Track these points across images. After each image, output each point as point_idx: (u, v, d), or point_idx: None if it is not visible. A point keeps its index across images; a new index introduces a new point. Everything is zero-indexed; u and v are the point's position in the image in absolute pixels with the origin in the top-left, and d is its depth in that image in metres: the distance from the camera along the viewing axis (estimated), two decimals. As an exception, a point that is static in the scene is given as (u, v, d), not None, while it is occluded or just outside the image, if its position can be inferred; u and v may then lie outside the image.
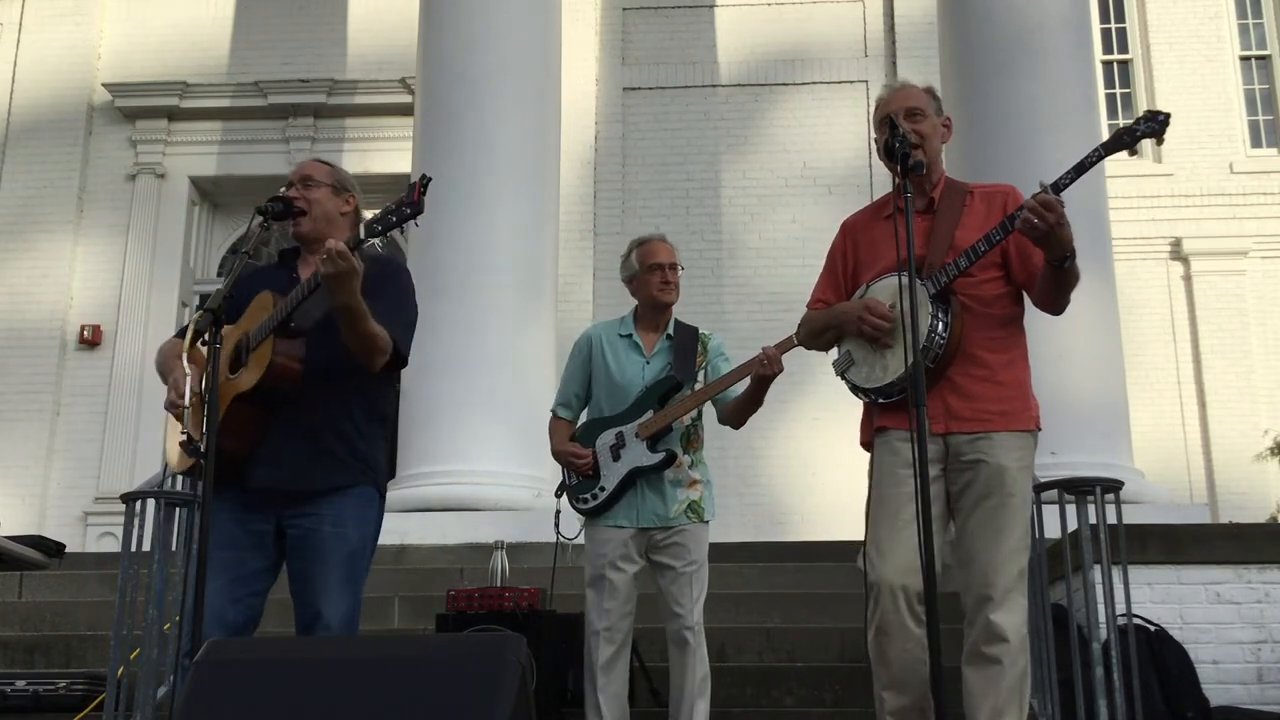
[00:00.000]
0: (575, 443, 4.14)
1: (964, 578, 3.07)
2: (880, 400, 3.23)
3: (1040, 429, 3.29)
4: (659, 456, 3.99)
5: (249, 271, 3.45)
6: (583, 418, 4.29)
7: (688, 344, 4.15)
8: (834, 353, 3.40)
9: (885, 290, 3.21)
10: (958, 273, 3.14)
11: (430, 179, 2.98)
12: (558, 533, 4.29)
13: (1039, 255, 3.10)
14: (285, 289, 3.21)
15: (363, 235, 3.01)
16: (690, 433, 4.11)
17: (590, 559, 4.07)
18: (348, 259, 2.93)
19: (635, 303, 4.27)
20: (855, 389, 3.29)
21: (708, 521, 4.10)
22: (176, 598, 4.38)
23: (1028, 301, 3.32)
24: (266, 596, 3.26)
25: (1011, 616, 3.07)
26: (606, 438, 4.07)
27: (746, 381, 4.01)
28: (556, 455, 4.20)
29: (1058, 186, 2.99)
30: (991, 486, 3.12)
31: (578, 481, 4.11)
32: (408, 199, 2.93)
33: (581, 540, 4.18)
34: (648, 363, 4.14)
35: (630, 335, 4.20)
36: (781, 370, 3.85)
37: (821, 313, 3.41)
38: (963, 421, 3.12)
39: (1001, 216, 3.14)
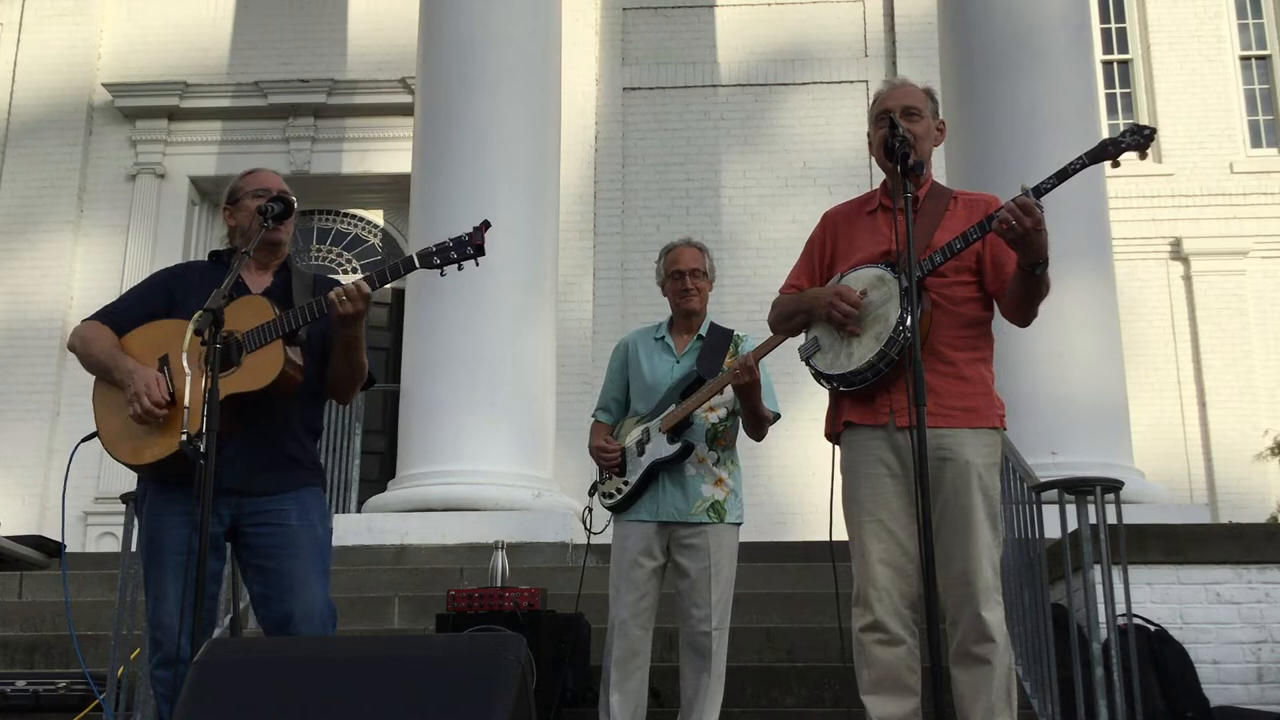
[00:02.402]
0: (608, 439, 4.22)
1: (944, 578, 3.08)
2: (842, 388, 3.25)
3: (1005, 428, 3.30)
4: (675, 447, 4.03)
5: (178, 270, 3.49)
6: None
7: (718, 344, 4.20)
8: (802, 338, 3.42)
9: (859, 280, 3.23)
10: (932, 268, 3.16)
11: (489, 224, 3.15)
12: (588, 531, 4.32)
13: (1012, 264, 3.12)
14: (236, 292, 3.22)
15: (417, 265, 3.10)
16: (717, 431, 4.13)
17: (613, 553, 4.14)
18: (368, 300, 3.07)
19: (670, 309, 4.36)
20: (819, 375, 3.30)
21: (732, 524, 4.11)
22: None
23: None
24: (219, 601, 3.28)
25: (994, 614, 3.09)
26: (634, 435, 4.14)
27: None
28: (590, 453, 4.27)
29: (1039, 191, 3.00)
30: (960, 485, 3.13)
31: (607, 478, 4.18)
32: (471, 240, 3.08)
33: (605, 538, 4.24)
34: (677, 362, 4.21)
35: (663, 338, 4.28)
36: (750, 380, 3.89)
37: (792, 297, 3.42)
38: (928, 416, 3.11)
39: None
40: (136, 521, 4.58)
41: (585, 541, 4.42)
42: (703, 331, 4.25)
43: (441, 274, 3.13)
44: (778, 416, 4.15)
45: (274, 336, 3.12)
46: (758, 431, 4.14)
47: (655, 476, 4.07)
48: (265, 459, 3.19)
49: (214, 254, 3.47)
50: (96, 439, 3.33)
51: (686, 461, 4.06)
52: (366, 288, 3.07)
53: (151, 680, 3.17)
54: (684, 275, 4.20)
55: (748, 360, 3.88)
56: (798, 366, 3.43)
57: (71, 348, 3.35)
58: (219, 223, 11.32)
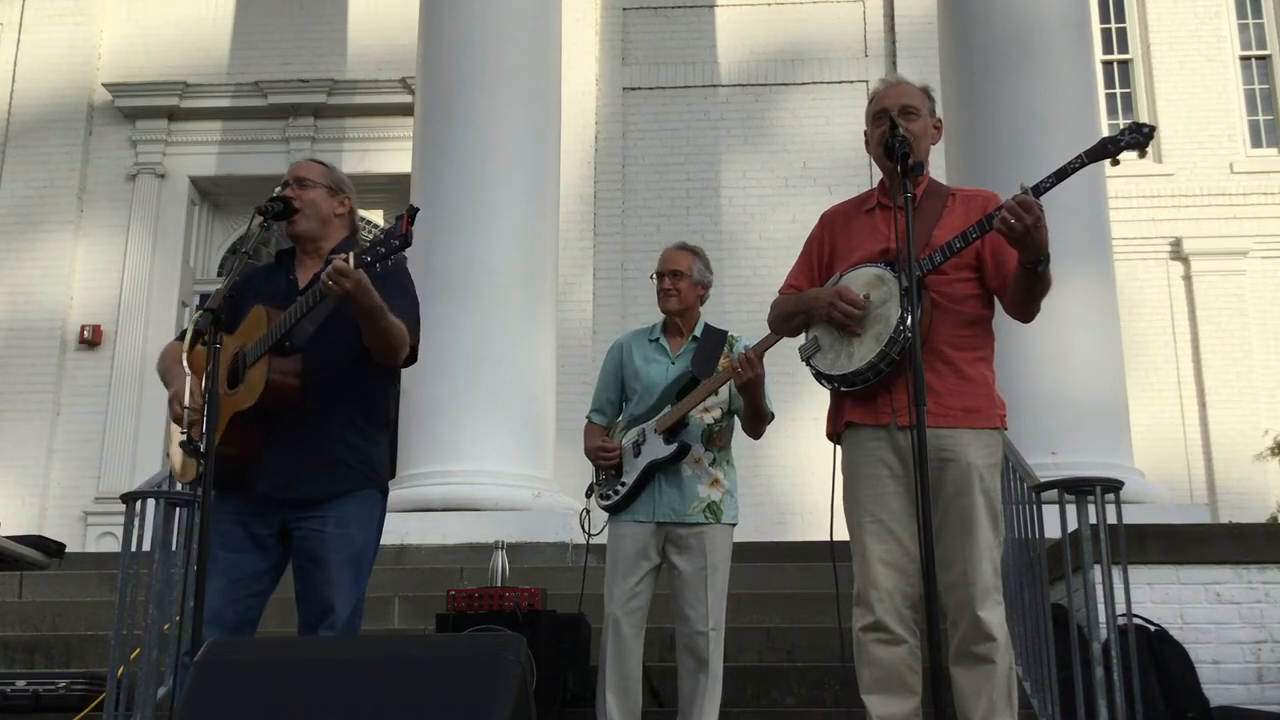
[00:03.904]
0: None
1: (945, 579, 3.08)
2: (843, 389, 3.24)
3: (1006, 428, 3.30)
4: (671, 448, 4.03)
5: (248, 271, 3.47)
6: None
7: (713, 345, 4.20)
8: (802, 339, 3.41)
9: (858, 280, 3.23)
10: (931, 267, 3.15)
11: (418, 210, 2.98)
12: (586, 533, 4.32)
13: (1014, 261, 3.11)
14: (283, 292, 3.25)
15: (352, 264, 2.96)
16: (712, 431, 4.14)
17: (608, 553, 4.14)
18: (351, 277, 2.92)
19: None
20: (819, 376, 3.30)
21: (728, 524, 4.12)
22: (177, 597, 4.39)
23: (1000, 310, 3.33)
24: (267, 598, 3.29)
25: (995, 614, 3.09)
26: (630, 436, 4.15)
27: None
28: (587, 454, 4.27)
29: (1038, 190, 3.00)
30: (961, 485, 3.13)
31: (604, 479, 4.18)
32: (396, 231, 2.92)
33: (602, 538, 4.24)
34: (672, 363, 4.22)
35: (657, 339, 4.29)
36: (752, 375, 3.87)
37: (792, 297, 3.42)
38: (929, 415, 3.11)
39: (980, 219, 3.15)
40: (138, 521, 4.61)
41: (586, 542, 4.42)
42: (697, 333, 4.26)
43: (376, 269, 2.97)
44: (772, 416, 4.15)
45: (263, 350, 3.12)
46: (757, 429, 4.13)
47: (651, 477, 4.07)
48: (305, 466, 3.18)
49: (279, 254, 3.47)
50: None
51: (683, 462, 4.06)
52: (350, 261, 2.93)
53: (178, 667, 3.20)
54: (663, 276, 4.24)
55: (749, 354, 3.87)
56: (798, 366, 3.43)
57: (159, 371, 3.43)
58: (219, 223, 11.35)
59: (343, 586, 3.19)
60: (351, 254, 2.98)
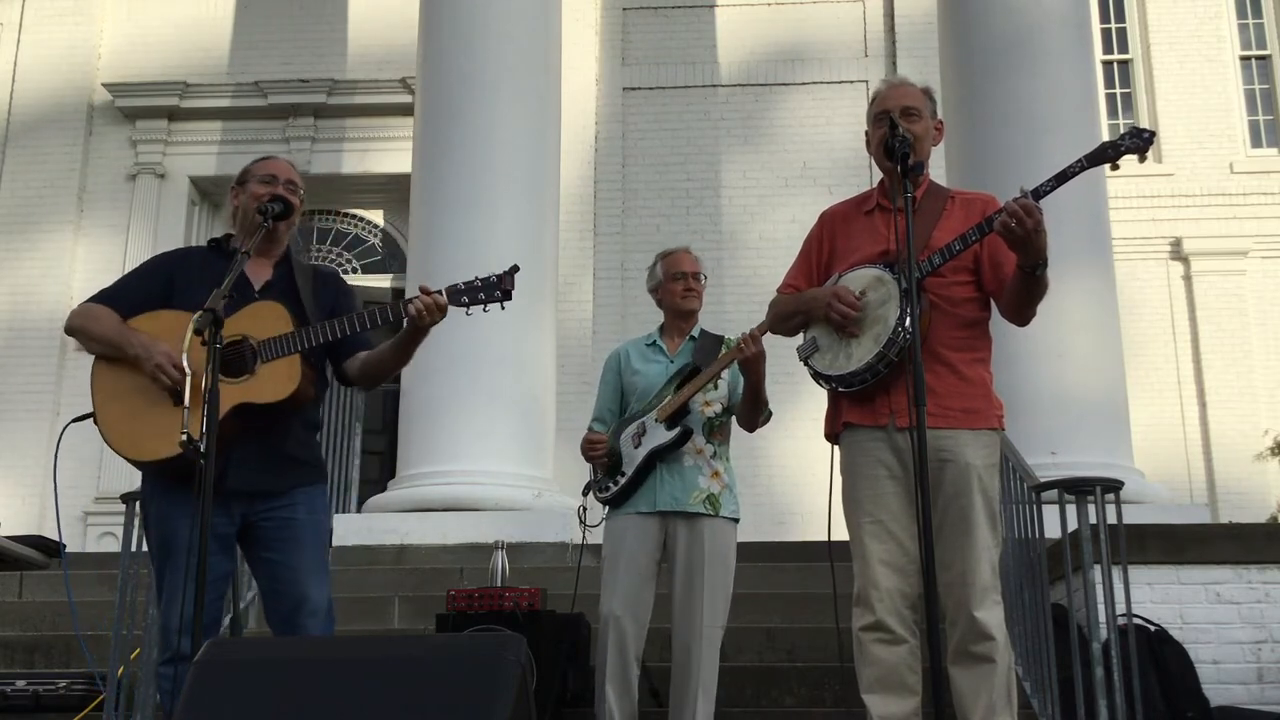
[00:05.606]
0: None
1: (944, 579, 3.08)
2: (841, 389, 3.25)
3: (1004, 429, 3.30)
4: (674, 433, 4.04)
5: (180, 257, 3.48)
6: None
7: (710, 344, 4.23)
8: (800, 338, 3.42)
9: (857, 281, 3.24)
10: (930, 269, 3.16)
11: (519, 269, 3.25)
12: (583, 528, 4.32)
13: (1011, 264, 3.12)
14: (235, 288, 3.15)
15: (445, 301, 3.19)
16: (714, 424, 4.14)
17: (606, 548, 4.12)
18: (446, 311, 3.19)
19: (662, 316, 4.40)
20: (817, 376, 3.30)
21: (729, 519, 4.11)
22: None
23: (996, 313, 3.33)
24: (225, 599, 3.32)
25: (993, 613, 3.10)
26: (630, 429, 4.15)
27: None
28: (582, 450, 4.26)
29: (1038, 193, 3.00)
30: (960, 486, 3.14)
31: (601, 475, 4.18)
32: (505, 284, 3.18)
33: (598, 537, 4.23)
34: (671, 363, 4.23)
35: (655, 342, 4.32)
36: (756, 351, 3.88)
37: (791, 297, 3.43)
38: (928, 416, 3.11)
39: (979, 221, 3.16)
40: (138, 522, 4.60)
41: (582, 540, 4.41)
42: (694, 334, 4.29)
43: (467, 313, 3.23)
44: (769, 415, 4.15)
45: (292, 350, 3.14)
46: (753, 416, 4.10)
47: (653, 466, 4.06)
48: (271, 461, 3.21)
49: (213, 241, 3.45)
50: (90, 422, 3.24)
51: (684, 451, 4.06)
52: (445, 300, 3.18)
53: (156, 677, 3.19)
54: (687, 276, 4.28)
55: (753, 332, 3.87)
56: (797, 366, 3.43)
57: (71, 329, 3.27)
58: (219, 223, 11.33)
59: (320, 574, 3.23)
60: (445, 291, 3.20)
